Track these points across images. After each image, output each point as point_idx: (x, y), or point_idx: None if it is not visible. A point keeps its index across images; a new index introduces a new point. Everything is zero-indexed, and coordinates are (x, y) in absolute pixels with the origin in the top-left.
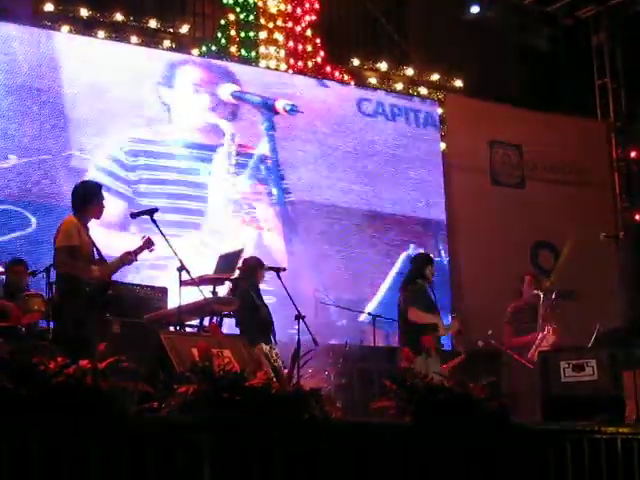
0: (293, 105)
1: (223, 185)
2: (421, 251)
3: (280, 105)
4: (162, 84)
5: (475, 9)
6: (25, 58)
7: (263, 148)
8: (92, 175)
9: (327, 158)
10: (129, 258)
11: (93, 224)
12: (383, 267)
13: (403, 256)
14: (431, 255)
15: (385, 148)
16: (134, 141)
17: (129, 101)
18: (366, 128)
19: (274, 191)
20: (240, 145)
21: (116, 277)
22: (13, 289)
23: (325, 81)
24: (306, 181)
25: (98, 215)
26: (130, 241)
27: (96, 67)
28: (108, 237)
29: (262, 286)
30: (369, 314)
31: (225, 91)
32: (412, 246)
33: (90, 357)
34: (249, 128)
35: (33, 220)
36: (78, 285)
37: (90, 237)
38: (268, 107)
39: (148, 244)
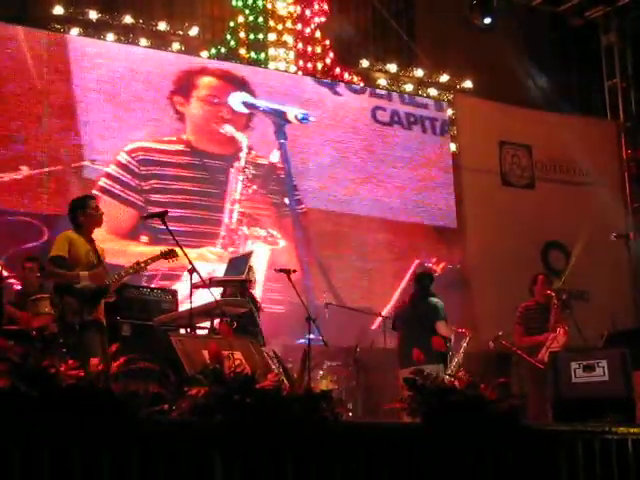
0: (305, 114)
1: (237, 197)
2: (425, 267)
3: (292, 114)
4: (176, 93)
5: (488, 20)
6: (34, 63)
7: (275, 158)
8: (103, 184)
9: (340, 167)
10: (137, 268)
11: (102, 234)
12: (396, 274)
13: (416, 263)
14: (431, 272)
15: (400, 156)
16: (146, 150)
17: (142, 110)
18: (381, 137)
19: (286, 201)
20: (254, 156)
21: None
22: (26, 288)
23: (338, 89)
24: (319, 191)
25: (94, 224)
26: (142, 250)
27: (108, 75)
28: (120, 246)
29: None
30: (379, 314)
31: (236, 100)
32: (424, 253)
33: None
34: (261, 137)
35: (46, 231)
36: (69, 290)
37: (93, 246)
38: (280, 116)
39: (168, 255)
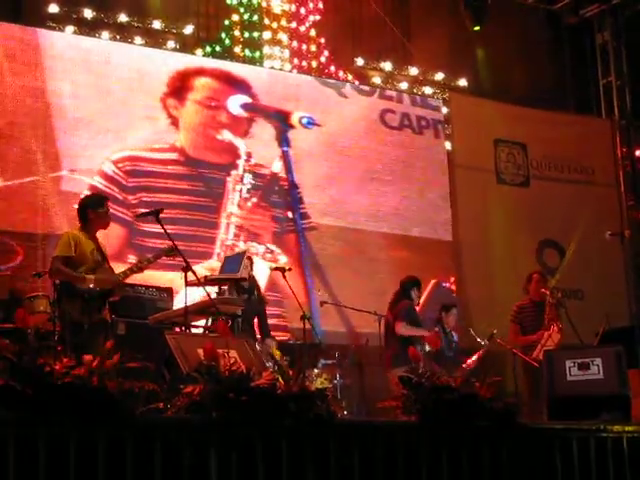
0: (310, 118)
1: (235, 210)
2: (410, 275)
3: (295, 118)
4: (170, 95)
5: (477, 27)
6: (7, 59)
7: (277, 167)
8: None
9: (349, 177)
10: (140, 266)
11: None
12: None
13: (432, 283)
14: (416, 278)
15: (413, 165)
16: (135, 159)
17: (130, 114)
18: (391, 143)
19: (290, 215)
20: (253, 165)
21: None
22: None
23: (345, 91)
24: (326, 203)
25: (102, 225)
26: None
27: (91, 74)
28: None
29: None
30: (375, 313)
31: (235, 103)
32: (441, 272)
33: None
34: (261, 145)
35: (20, 251)
36: (74, 290)
37: (98, 246)
38: (282, 120)
39: (170, 252)
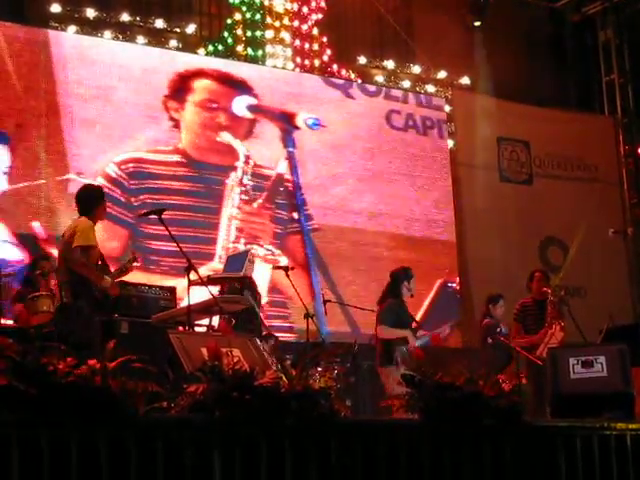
0: (315, 119)
1: (236, 211)
2: (402, 266)
3: (301, 119)
4: (171, 97)
5: (477, 23)
6: (13, 61)
7: (282, 168)
8: None
9: (354, 178)
10: (127, 267)
11: None
12: (418, 295)
13: (438, 283)
14: (408, 270)
15: (418, 166)
16: (138, 161)
17: (133, 115)
18: (397, 144)
19: (295, 217)
20: (256, 165)
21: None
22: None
23: (351, 91)
24: (331, 205)
25: (102, 217)
26: (133, 275)
27: (96, 76)
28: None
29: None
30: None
31: (240, 104)
32: (447, 272)
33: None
34: (266, 146)
35: (27, 253)
36: (88, 288)
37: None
38: (287, 121)
39: (129, 262)
